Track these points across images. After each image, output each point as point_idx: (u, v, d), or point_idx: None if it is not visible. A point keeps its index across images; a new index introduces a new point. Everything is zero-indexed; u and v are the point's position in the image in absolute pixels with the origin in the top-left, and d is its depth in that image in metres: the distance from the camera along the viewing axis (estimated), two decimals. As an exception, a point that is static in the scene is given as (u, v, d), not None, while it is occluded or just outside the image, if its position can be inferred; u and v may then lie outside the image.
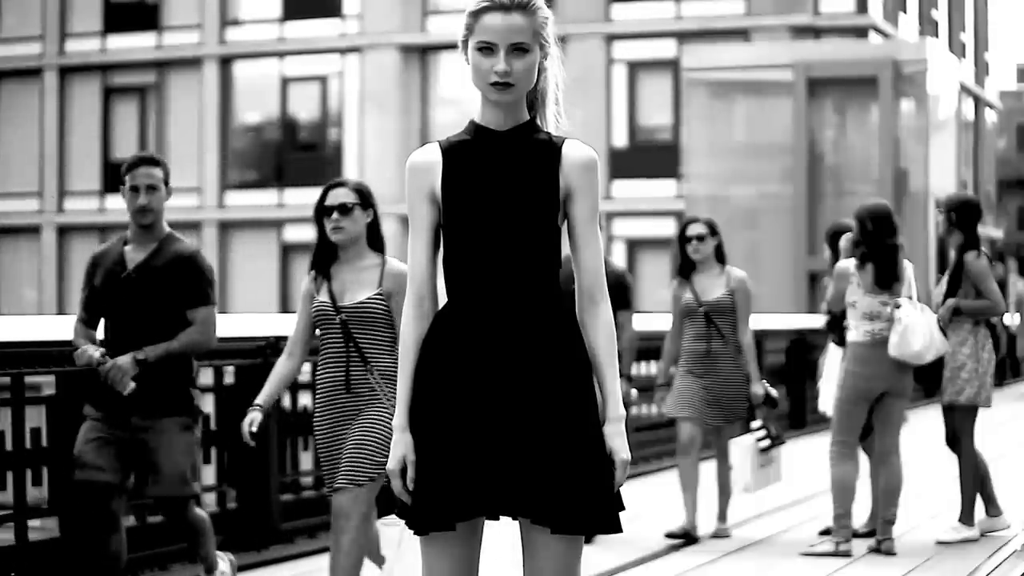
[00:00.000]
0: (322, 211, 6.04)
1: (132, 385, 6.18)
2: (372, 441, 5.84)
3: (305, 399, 9.26)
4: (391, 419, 5.78)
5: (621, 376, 7.56)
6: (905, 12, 35.25)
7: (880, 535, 8.25)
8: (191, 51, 36.92)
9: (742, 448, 8.84)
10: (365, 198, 6.07)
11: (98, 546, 6.39)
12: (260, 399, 6.15)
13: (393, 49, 35.40)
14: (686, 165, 29.13)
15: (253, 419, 6.07)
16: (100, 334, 6.49)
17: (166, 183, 6.50)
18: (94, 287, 6.46)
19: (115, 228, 37.00)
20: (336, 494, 5.86)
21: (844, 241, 8.96)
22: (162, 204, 6.48)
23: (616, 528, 3.52)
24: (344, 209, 5.99)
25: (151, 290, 6.36)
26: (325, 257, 6.07)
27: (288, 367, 6.17)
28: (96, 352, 6.23)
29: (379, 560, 6.14)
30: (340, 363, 5.95)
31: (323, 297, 6.00)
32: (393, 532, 5.55)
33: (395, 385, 5.82)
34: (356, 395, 5.93)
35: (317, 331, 6.09)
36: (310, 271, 6.11)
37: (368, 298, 5.94)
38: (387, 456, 5.77)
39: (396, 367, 5.84)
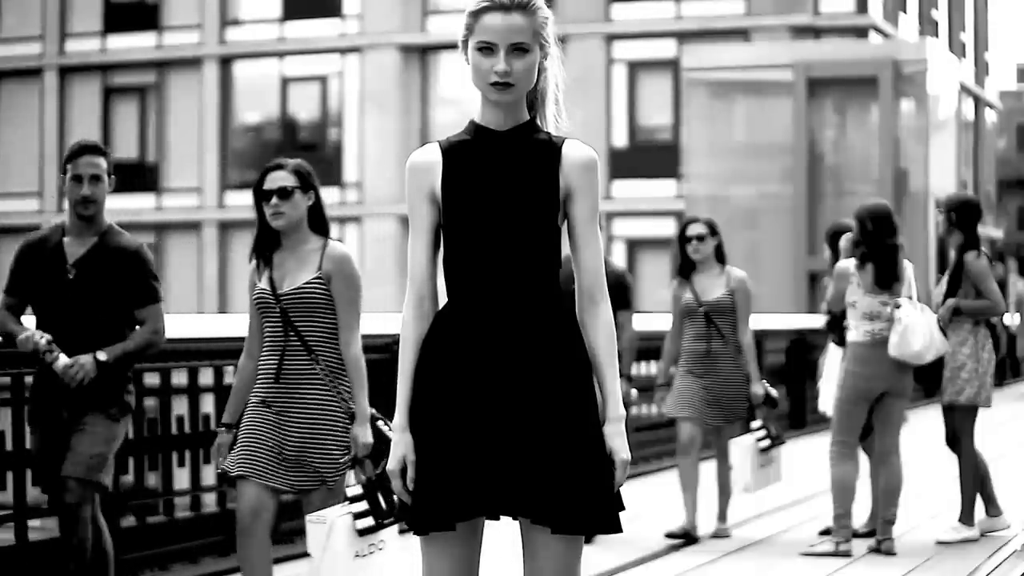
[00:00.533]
0: (261, 195, 5.73)
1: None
2: (331, 441, 5.64)
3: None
4: (341, 414, 5.65)
5: (621, 376, 7.56)
6: (905, 12, 35.26)
7: (880, 535, 8.25)
8: (191, 51, 36.93)
9: (742, 448, 8.84)
10: (305, 180, 5.74)
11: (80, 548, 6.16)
12: (227, 416, 5.90)
13: (393, 49, 35.40)
14: (686, 165, 29.13)
15: (221, 445, 5.85)
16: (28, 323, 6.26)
17: (110, 174, 6.20)
18: (25, 276, 6.21)
19: (115, 228, 37.00)
20: (309, 500, 5.67)
21: (844, 241, 8.96)
22: (104, 195, 6.18)
23: (616, 528, 3.52)
24: (283, 193, 5.68)
25: (94, 287, 6.12)
26: (267, 243, 5.77)
27: (249, 369, 5.85)
28: (42, 339, 5.99)
29: None
30: (276, 352, 5.67)
31: (263, 284, 5.71)
32: (320, 530, 5.41)
33: (343, 378, 5.61)
34: (289, 386, 5.65)
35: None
36: (251, 259, 5.82)
37: (306, 282, 5.66)
38: (344, 453, 5.62)
39: (340, 359, 5.69)
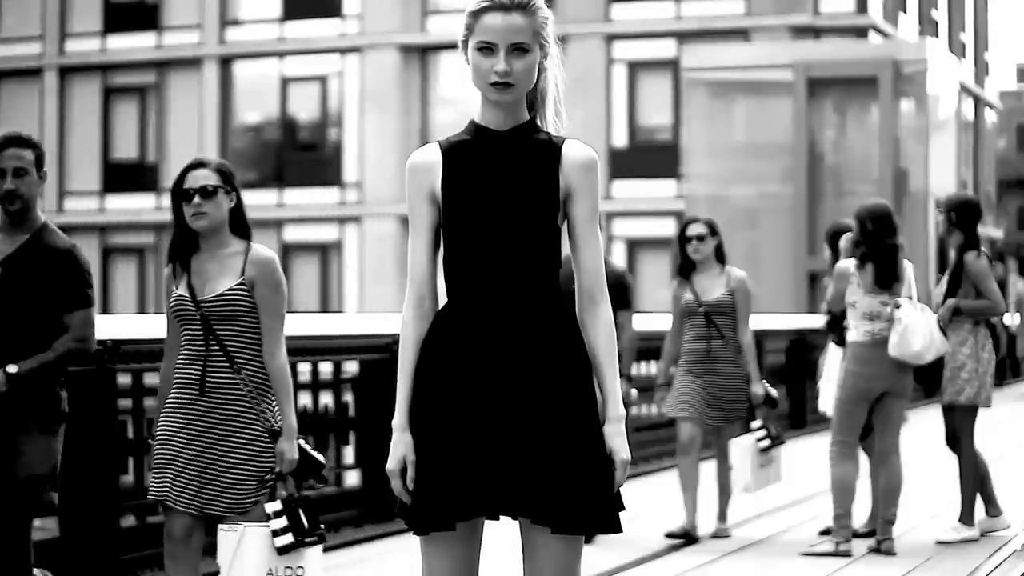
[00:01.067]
0: (181, 195, 5.41)
1: None
2: (247, 466, 5.29)
3: (304, 400, 9.27)
4: (261, 434, 5.33)
5: (621, 376, 7.55)
6: (905, 12, 35.25)
7: (880, 535, 8.25)
8: (191, 51, 36.93)
9: (742, 448, 8.84)
10: (228, 179, 5.43)
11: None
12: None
13: (393, 49, 35.40)
14: (686, 165, 29.12)
15: None
16: None
17: (39, 167, 5.83)
18: None
19: (115, 228, 37.03)
20: (222, 525, 5.31)
21: (844, 241, 8.96)
22: (33, 190, 5.78)
23: (616, 528, 3.52)
24: (205, 192, 5.37)
25: (21, 287, 5.71)
26: (185, 246, 5.43)
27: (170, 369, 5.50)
28: None
29: None
30: (198, 362, 5.32)
31: (182, 291, 5.37)
32: (231, 538, 5.19)
33: (266, 394, 5.29)
34: (213, 399, 5.31)
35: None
36: (168, 262, 5.48)
37: (229, 289, 5.34)
38: (261, 477, 5.29)
39: (265, 371, 5.37)
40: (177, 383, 5.39)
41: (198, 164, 5.48)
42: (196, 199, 5.39)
